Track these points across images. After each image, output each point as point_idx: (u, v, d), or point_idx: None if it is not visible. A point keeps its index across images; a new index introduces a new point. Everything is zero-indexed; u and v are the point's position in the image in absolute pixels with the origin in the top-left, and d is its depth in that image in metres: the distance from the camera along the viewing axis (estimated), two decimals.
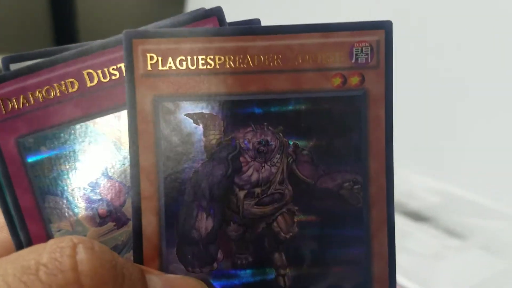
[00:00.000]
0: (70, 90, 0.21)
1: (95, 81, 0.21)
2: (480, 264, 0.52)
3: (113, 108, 0.22)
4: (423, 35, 0.70)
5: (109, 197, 0.22)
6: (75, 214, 0.22)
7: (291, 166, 0.22)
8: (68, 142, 0.22)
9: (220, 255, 0.22)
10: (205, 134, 0.21)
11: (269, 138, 0.21)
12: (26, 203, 0.21)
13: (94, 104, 0.22)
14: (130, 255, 0.22)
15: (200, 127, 0.21)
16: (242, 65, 0.21)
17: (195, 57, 0.21)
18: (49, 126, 0.21)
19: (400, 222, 0.52)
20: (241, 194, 0.22)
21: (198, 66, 0.21)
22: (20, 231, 0.21)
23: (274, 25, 0.21)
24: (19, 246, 0.22)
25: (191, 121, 0.21)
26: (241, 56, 0.21)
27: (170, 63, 0.21)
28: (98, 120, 0.22)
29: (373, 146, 0.21)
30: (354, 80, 0.21)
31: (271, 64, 0.21)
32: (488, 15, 0.63)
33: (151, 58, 0.21)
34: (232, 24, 0.22)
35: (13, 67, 0.22)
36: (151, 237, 0.21)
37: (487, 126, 0.63)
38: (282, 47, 0.21)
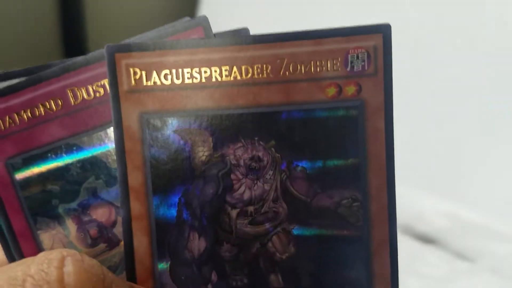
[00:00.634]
0: (55, 109, 0.21)
1: (80, 99, 0.21)
2: None
3: (100, 126, 0.21)
4: (426, 39, 0.64)
5: (99, 217, 0.21)
6: (66, 235, 0.21)
7: (285, 183, 0.20)
8: (56, 162, 0.21)
9: (214, 276, 0.21)
10: (193, 151, 0.20)
11: (260, 154, 0.20)
12: (19, 224, 0.21)
13: (80, 123, 0.21)
14: (123, 276, 0.21)
15: (189, 143, 0.20)
16: (229, 77, 0.20)
17: (180, 70, 0.20)
18: (37, 146, 0.21)
19: (409, 245, 0.50)
20: (234, 213, 0.20)
21: (184, 80, 0.20)
22: (14, 252, 0.21)
23: (262, 33, 0.20)
24: None
25: (179, 137, 0.20)
26: (228, 68, 0.20)
27: (154, 78, 0.20)
28: (85, 139, 0.21)
29: (373, 161, 0.20)
30: (350, 89, 0.20)
31: (260, 75, 0.20)
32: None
33: (135, 73, 0.20)
34: (219, 34, 0.21)
35: None
36: (143, 257, 0.21)
37: (498, 149, 0.59)
38: (271, 57, 0.20)
